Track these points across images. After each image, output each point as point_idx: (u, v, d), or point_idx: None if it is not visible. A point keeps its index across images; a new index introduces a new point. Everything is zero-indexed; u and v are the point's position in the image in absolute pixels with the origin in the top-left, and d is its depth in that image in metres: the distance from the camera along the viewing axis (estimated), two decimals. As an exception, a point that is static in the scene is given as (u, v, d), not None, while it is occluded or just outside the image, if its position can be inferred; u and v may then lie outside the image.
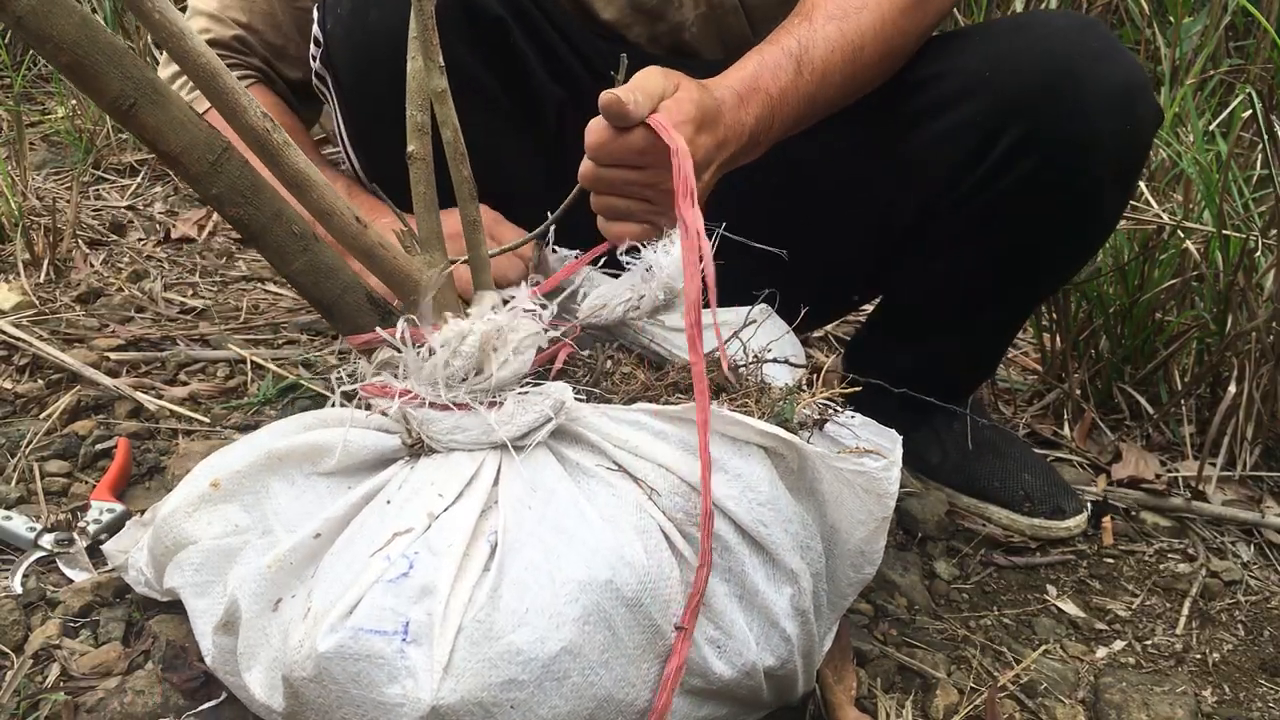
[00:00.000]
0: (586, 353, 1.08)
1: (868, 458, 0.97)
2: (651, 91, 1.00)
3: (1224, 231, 1.62)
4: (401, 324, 0.95)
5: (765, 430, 0.94)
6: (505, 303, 1.00)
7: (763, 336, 1.10)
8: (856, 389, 1.03)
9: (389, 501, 0.93)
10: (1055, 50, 1.22)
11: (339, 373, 1.02)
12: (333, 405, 1.04)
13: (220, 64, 0.82)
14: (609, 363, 1.06)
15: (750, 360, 1.06)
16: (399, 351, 0.96)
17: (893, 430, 1.04)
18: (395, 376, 0.97)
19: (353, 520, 0.94)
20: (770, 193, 1.27)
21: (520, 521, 0.90)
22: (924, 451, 1.52)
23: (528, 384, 0.96)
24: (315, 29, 1.29)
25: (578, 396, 0.97)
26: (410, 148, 0.93)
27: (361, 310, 1.01)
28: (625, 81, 1.00)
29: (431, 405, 0.95)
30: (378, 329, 0.97)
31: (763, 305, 1.17)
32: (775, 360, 1.07)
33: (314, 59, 1.31)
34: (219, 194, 0.89)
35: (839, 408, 1.03)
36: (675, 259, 1.04)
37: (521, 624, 0.84)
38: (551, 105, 1.30)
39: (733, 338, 1.06)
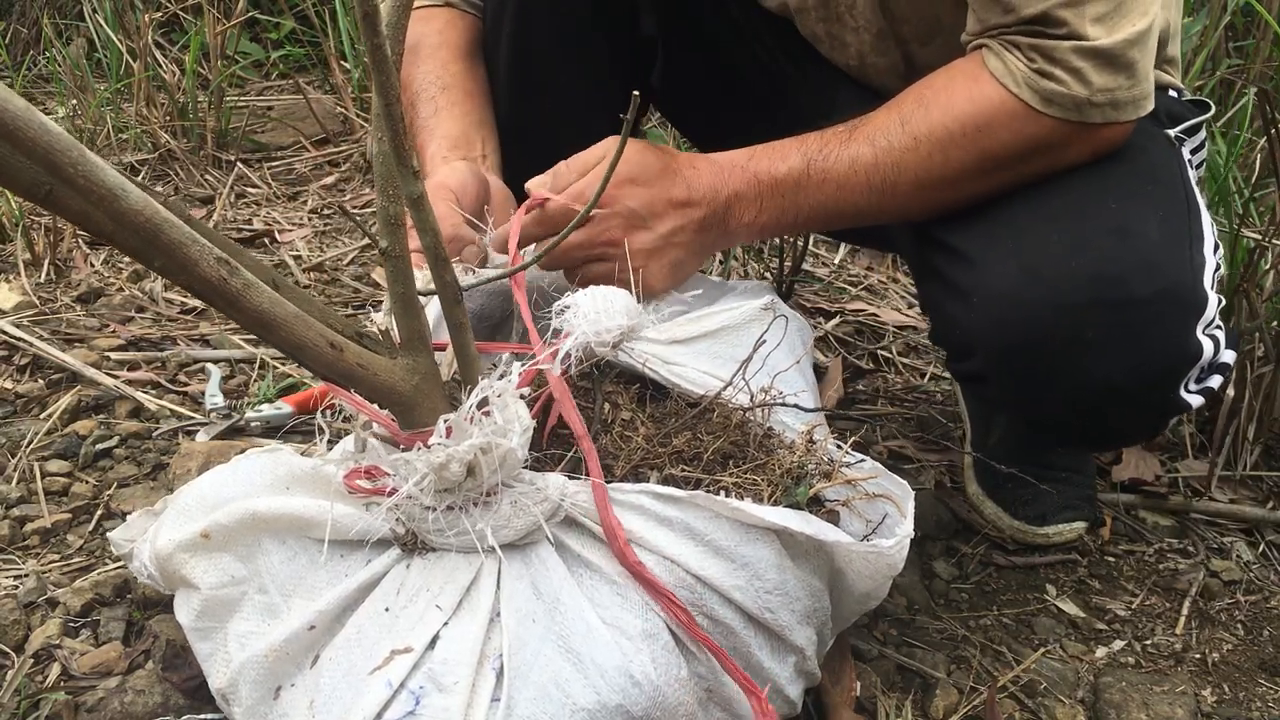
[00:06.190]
0: (585, 384, 1.05)
1: (881, 539, 0.96)
2: (583, 161, 1.12)
3: (1241, 230, 1.61)
4: (378, 428, 0.91)
5: (778, 525, 0.92)
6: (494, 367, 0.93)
7: (774, 360, 1.07)
8: (873, 476, 1.02)
9: (387, 609, 0.91)
10: (1059, 310, 1.06)
11: (325, 415, 0.96)
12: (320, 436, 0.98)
13: (165, 217, 0.71)
14: (607, 406, 1.02)
15: (757, 404, 1.03)
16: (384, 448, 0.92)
17: (905, 482, 1.02)
18: (377, 443, 0.93)
19: (348, 618, 0.92)
20: None
21: (525, 640, 0.87)
22: (984, 425, 1.51)
23: (525, 468, 0.92)
24: None
25: (573, 476, 0.93)
26: (383, 244, 0.84)
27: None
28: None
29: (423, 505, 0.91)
30: (356, 400, 0.91)
31: (770, 300, 1.15)
32: (785, 404, 1.05)
33: None
34: (163, 265, 0.82)
35: (848, 454, 1.02)
36: (592, 298, 1.05)
37: None
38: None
39: (739, 372, 1.04)
